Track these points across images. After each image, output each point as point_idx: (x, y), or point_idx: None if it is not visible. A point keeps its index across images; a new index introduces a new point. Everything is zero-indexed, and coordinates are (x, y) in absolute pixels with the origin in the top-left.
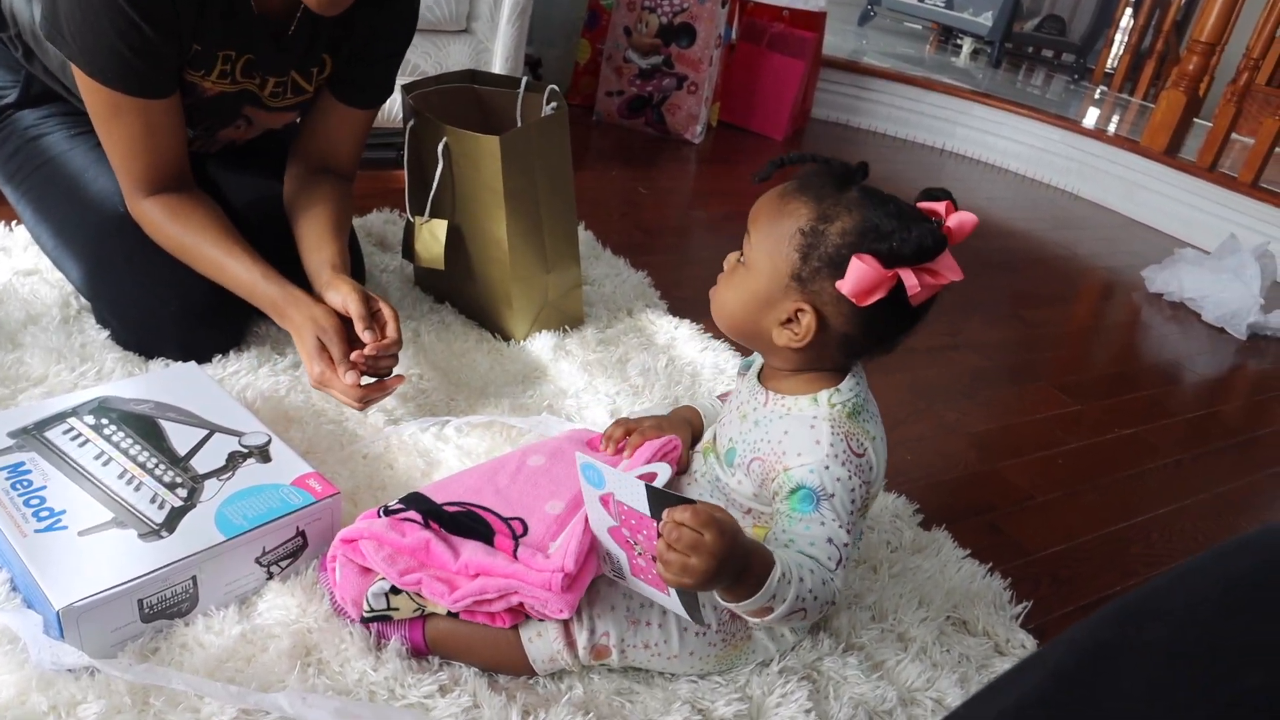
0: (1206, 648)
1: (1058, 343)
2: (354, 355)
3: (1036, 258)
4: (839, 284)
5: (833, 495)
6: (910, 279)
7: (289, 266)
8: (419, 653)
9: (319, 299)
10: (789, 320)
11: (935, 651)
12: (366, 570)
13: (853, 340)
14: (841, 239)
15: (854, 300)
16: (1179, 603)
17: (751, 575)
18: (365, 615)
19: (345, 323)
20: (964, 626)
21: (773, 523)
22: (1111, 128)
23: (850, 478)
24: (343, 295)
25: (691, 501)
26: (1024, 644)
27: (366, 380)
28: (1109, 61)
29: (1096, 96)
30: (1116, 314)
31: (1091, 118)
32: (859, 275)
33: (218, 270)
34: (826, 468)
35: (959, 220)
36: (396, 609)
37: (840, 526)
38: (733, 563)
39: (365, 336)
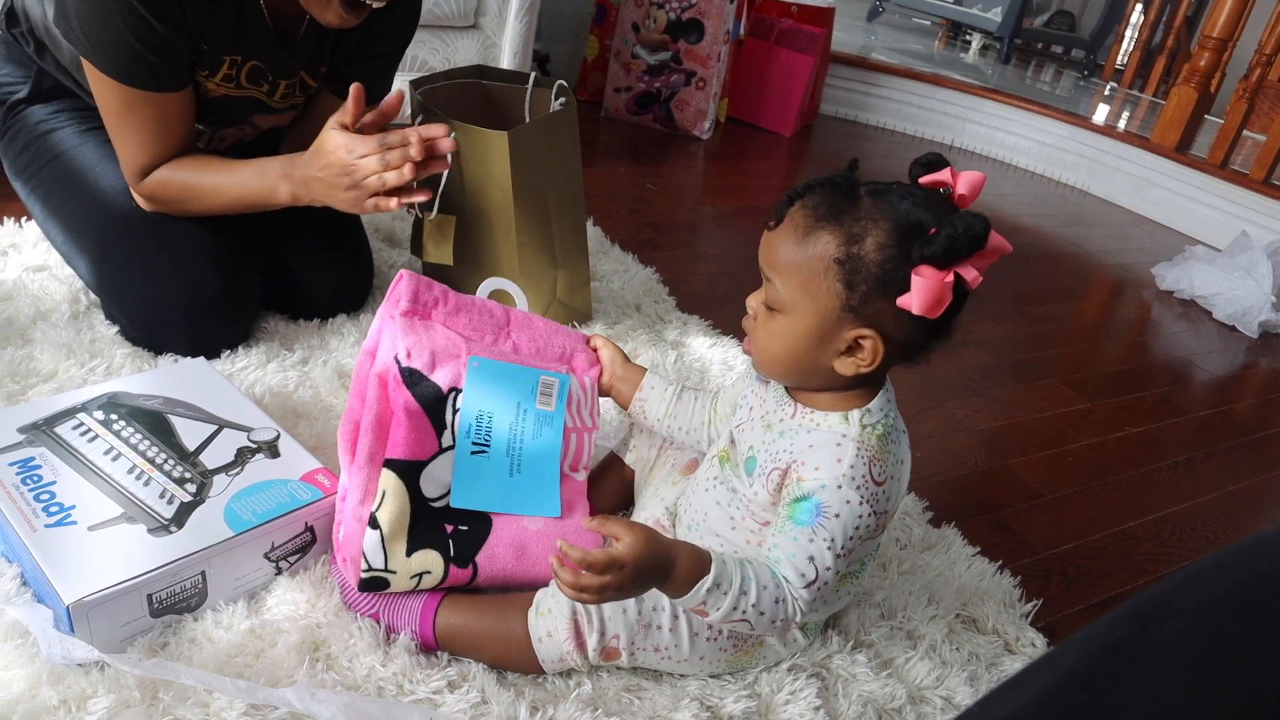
0: (1224, 648)
1: (1067, 340)
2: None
3: (1046, 254)
4: (902, 302)
5: (837, 515)
6: (970, 273)
7: (294, 251)
8: (428, 649)
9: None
10: (849, 349)
11: (945, 649)
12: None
13: (917, 343)
14: (881, 254)
15: (927, 315)
16: (1196, 601)
17: (678, 581)
18: (363, 576)
19: None
20: (973, 624)
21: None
22: (1122, 124)
23: (860, 504)
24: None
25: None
26: (1034, 642)
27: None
28: (1119, 58)
29: (1107, 93)
30: (1127, 311)
31: (1102, 114)
32: (926, 293)
33: (226, 186)
34: (839, 487)
35: (969, 182)
36: (394, 572)
37: (828, 549)
38: (650, 579)
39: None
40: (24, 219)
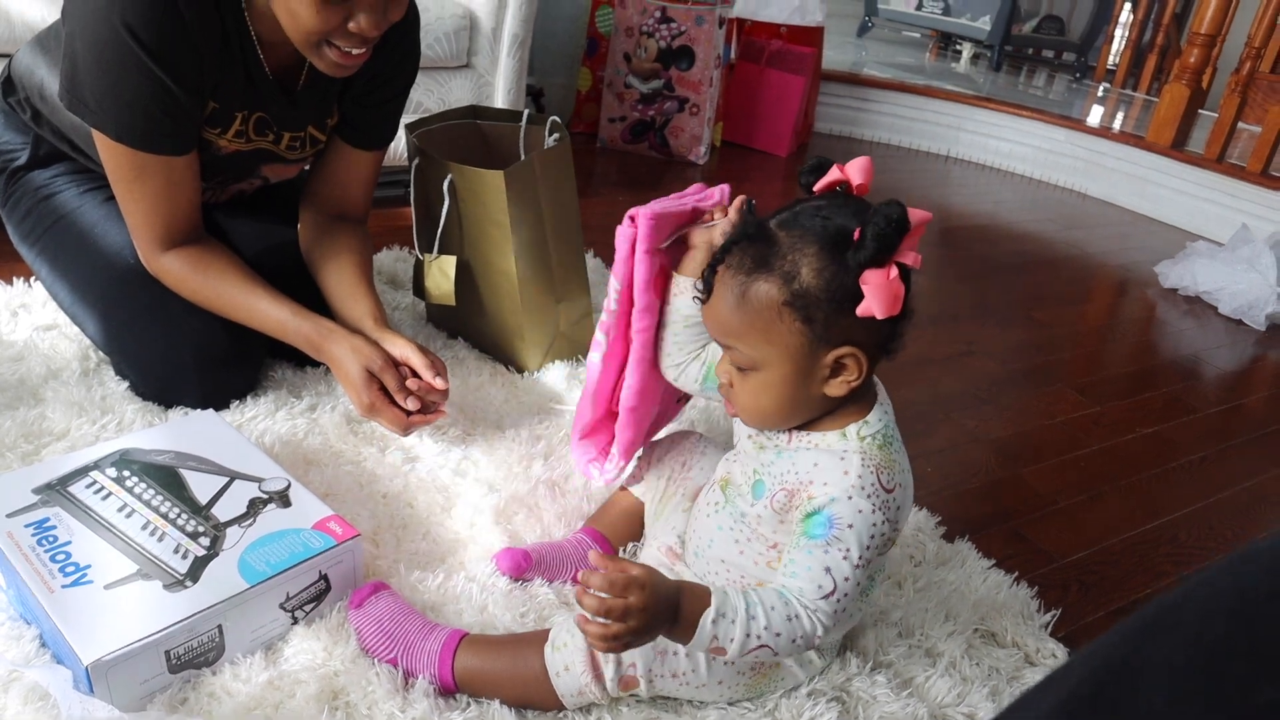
0: (1220, 663)
1: (1074, 344)
2: (411, 383)
3: (1048, 259)
4: (862, 311)
5: (850, 525)
6: (909, 257)
7: (298, 298)
8: (448, 691)
9: (352, 331)
10: (832, 372)
11: (965, 665)
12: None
13: (889, 339)
14: (821, 277)
15: (891, 314)
16: (1190, 617)
17: (685, 617)
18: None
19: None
20: (993, 638)
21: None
22: (1116, 124)
23: (874, 511)
24: (400, 348)
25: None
26: (1054, 653)
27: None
28: (1110, 58)
29: (1100, 94)
30: (1131, 311)
31: (1096, 116)
32: (880, 295)
33: (248, 314)
34: (850, 498)
35: (860, 169)
36: None
37: (844, 559)
38: (662, 611)
39: (436, 382)
40: (32, 279)
